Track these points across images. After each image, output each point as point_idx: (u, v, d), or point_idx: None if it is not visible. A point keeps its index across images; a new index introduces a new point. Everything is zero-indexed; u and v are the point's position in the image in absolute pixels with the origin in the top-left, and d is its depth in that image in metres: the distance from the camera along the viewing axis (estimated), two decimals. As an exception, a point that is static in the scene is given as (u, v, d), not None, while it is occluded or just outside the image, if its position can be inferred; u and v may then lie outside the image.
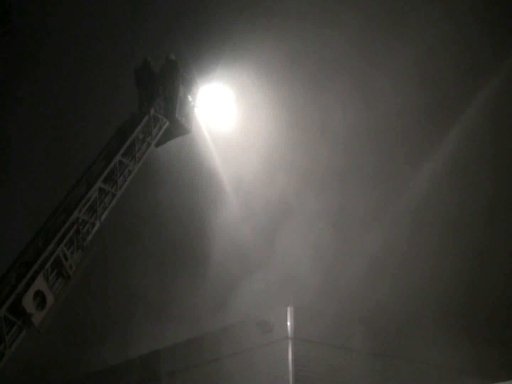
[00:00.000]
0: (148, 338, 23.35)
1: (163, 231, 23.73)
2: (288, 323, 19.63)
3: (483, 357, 21.12)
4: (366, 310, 20.92)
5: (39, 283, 14.00)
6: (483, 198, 20.78)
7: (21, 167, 25.31)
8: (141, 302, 24.06)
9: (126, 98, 19.45)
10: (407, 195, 21.77)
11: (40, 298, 14.04)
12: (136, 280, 23.75)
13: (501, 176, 21.00)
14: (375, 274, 21.33)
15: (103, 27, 25.10)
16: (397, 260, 20.94)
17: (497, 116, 21.18)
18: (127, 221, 22.49)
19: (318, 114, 21.73)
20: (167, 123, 17.29)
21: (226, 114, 19.35)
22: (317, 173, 21.51)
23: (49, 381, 25.06)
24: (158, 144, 17.42)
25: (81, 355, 25.02)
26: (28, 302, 13.72)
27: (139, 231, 24.43)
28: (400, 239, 21.03)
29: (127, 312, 24.29)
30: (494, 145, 21.33)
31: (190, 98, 18.05)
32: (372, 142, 21.83)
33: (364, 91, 21.62)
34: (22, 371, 20.59)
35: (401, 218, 21.47)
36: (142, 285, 23.79)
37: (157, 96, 17.40)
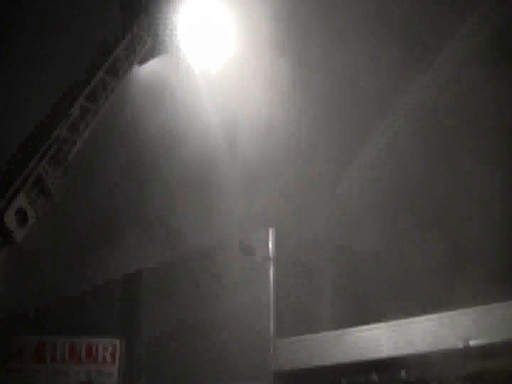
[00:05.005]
0: (129, 258, 23.51)
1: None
2: (270, 245, 19.84)
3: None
4: (349, 235, 21.04)
5: (21, 200, 14.03)
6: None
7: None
8: (122, 219, 24.10)
9: (110, 16, 19.03)
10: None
11: (21, 215, 14.07)
12: (118, 198, 23.72)
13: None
14: (360, 202, 21.37)
15: None
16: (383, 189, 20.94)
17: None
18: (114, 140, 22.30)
19: (328, 50, 21.08)
20: (150, 41, 17.08)
21: (221, 40, 18.91)
22: (319, 113, 21.11)
23: (31, 303, 25.29)
24: (141, 62, 17.24)
25: (65, 275, 25.19)
26: (10, 219, 13.77)
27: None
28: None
29: (108, 231, 24.34)
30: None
31: (175, 15, 17.72)
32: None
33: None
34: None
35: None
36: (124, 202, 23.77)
37: (140, 13, 17.10)
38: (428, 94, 20.42)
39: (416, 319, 16.94)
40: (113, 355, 20.63)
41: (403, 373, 17.14)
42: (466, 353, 15.93)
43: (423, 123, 20.25)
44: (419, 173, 20.29)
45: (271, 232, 19.97)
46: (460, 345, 15.98)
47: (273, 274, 19.93)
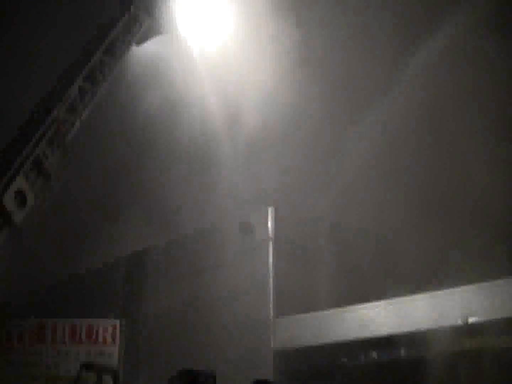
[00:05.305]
0: (129, 240, 23.54)
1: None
2: (269, 224, 19.86)
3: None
4: (348, 214, 21.06)
5: (20, 182, 13.99)
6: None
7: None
8: (122, 201, 24.14)
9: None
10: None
11: (20, 197, 14.05)
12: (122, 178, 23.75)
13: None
14: (359, 182, 21.35)
15: None
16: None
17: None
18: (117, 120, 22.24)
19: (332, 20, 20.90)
20: (148, 21, 16.99)
21: (220, 19, 18.77)
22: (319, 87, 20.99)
23: (36, 283, 25.36)
24: (138, 42, 17.16)
25: (68, 255, 25.25)
26: (9, 201, 13.74)
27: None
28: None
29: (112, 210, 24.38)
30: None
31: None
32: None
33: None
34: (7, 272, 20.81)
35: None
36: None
37: (137, -7, 16.99)
38: (428, 66, 20.35)
39: (416, 296, 17.00)
40: (113, 336, 20.72)
41: (402, 351, 17.23)
42: (465, 330, 16.02)
43: (423, 100, 20.23)
44: (417, 152, 20.32)
45: (270, 211, 19.98)
46: (459, 322, 16.07)
47: (272, 253, 19.97)
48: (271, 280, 19.75)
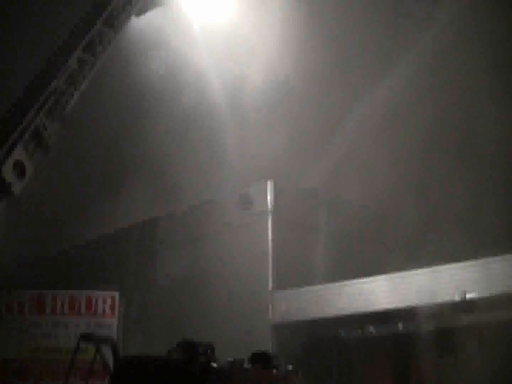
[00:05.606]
0: (128, 213, 23.55)
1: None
2: (268, 197, 19.84)
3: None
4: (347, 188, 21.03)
5: (19, 153, 13.97)
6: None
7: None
8: (121, 174, 24.12)
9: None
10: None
11: (20, 168, 14.03)
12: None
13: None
14: (359, 156, 21.33)
15: None
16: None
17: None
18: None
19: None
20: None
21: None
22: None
23: (47, 250, 25.43)
24: (138, 14, 17.04)
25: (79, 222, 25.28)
26: (8, 171, 13.73)
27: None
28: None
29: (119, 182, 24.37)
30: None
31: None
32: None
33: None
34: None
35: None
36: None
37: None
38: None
39: (414, 272, 17.03)
40: (112, 307, 20.77)
41: (400, 326, 17.29)
42: (463, 306, 16.07)
43: (426, 79, 20.13)
44: (417, 125, 20.27)
45: (269, 184, 19.94)
46: (457, 298, 16.11)
47: (272, 226, 19.98)
48: (270, 252, 19.78)
